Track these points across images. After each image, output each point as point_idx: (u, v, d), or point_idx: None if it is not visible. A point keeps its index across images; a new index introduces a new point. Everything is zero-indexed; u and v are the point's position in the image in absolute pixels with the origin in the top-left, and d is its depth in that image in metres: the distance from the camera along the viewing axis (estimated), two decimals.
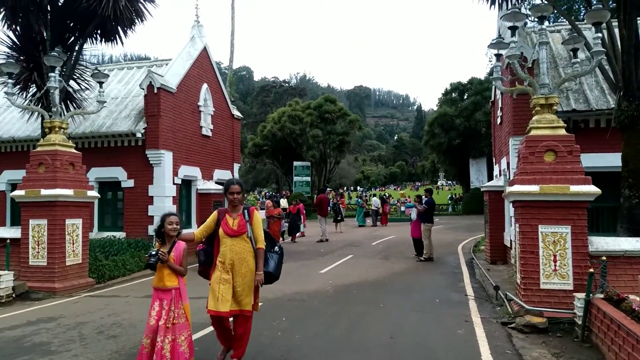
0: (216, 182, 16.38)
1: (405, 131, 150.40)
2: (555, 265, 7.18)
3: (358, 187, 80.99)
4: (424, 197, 13.89)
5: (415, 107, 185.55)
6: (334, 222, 22.96)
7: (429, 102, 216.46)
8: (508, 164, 11.84)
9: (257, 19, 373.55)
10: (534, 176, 7.26)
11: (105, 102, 11.02)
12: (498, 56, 8.57)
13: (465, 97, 41.07)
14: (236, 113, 18.27)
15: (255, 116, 77.74)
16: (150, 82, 13.54)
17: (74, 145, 10.52)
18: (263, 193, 62.26)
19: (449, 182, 77.70)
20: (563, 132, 7.46)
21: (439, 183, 76.25)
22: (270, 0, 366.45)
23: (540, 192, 7.11)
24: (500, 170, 13.65)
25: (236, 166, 18.13)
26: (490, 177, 39.06)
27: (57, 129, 10.08)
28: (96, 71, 10.66)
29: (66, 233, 9.76)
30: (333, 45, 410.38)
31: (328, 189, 30.62)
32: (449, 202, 42.49)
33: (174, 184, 14.02)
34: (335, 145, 38.87)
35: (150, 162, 13.64)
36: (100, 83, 10.74)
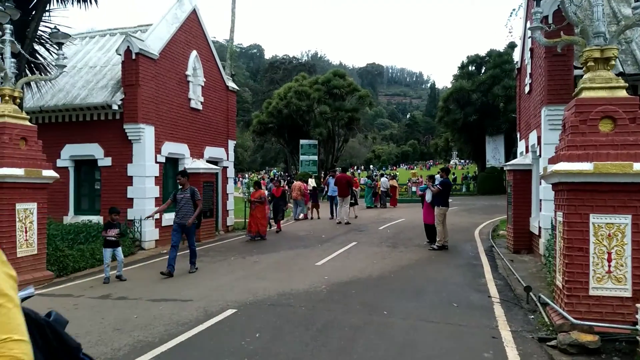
0: (207, 161, 14.84)
1: (418, 109, 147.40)
2: (609, 266, 5.58)
3: (370, 166, 79.08)
4: (438, 176, 12.22)
5: (428, 85, 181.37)
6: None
7: (444, 80, 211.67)
8: (539, 138, 10.09)
9: None
10: (585, 151, 5.58)
11: (65, 66, 9.44)
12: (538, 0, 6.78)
13: (482, 70, 38.77)
14: (231, 85, 16.60)
15: (264, 94, 76.01)
16: (128, 46, 11.92)
17: (29, 117, 9.03)
18: (271, 173, 60.90)
19: (462, 161, 75.41)
20: (624, 93, 5.75)
21: (451, 162, 74.01)
22: None
23: (594, 171, 5.45)
24: (527, 147, 11.89)
25: (231, 143, 16.54)
26: (507, 156, 37.08)
27: (7, 97, 8.57)
28: (55, 30, 9.07)
29: (17, 219, 8.34)
30: (345, 22, 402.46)
31: (337, 168, 28.70)
32: (463, 182, 40.60)
33: (156, 162, 12.51)
34: (344, 122, 37.02)
35: (129, 137, 12.12)
36: (59, 44, 9.18)
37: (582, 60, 6.14)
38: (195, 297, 6.97)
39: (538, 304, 6.72)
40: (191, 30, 14.25)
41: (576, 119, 5.76)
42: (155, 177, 12.45)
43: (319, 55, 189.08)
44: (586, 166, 5.50)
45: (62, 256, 9.28)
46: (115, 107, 11.88)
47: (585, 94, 5.87)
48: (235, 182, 46.19)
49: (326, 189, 21.52)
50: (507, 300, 6.98)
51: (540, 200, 9.91)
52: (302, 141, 36.68)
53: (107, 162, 12.41)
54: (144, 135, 12.08)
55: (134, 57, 11.88)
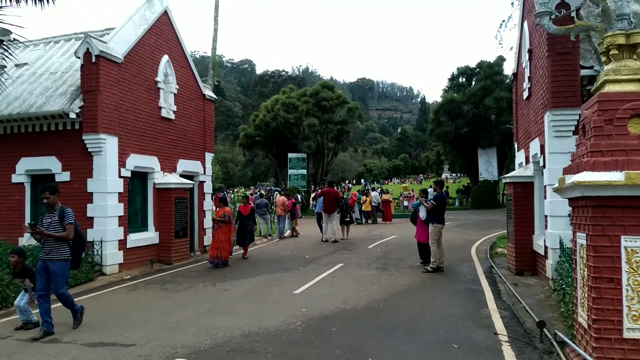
0: (181, 175, 13.65)
1: (409, 124, 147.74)
2: None
3: (362, 180, 78.18)
4: (432, 190, 11.15)
5: (419, 100, 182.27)
6: (341, 224, 17.19)
7: (434, 94, 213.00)
8: (542, 147, 9.05)
9: (260, 12, 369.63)
10: (613, 157, 4.53)
11: (5, 66, 8.28)
12: None
13: (473, 82, 38.07)
14: (208, 93, 15.47)
15: (254, 107, 74.94)
16: (88, 48, 10.79)
17: None
18: (262, 187, 59.58)
19: (454, 174, 74.58)
20: None
21: (443, 176, 73.18)
22: None
23: (626, 182, 4.39)
24: (527, 157, 10.86)
25: (209, 155, 15.33)
26: (501, 169, 36.17)
27: None
28: None
29: None
30: (336, 38, 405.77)
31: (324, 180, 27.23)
32: (457, 195, 39.58)
33: (120, 177, 11.29)
34: (333, 135, 35.94)
35: (89, 149, 10.92)
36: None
37: (602, 49, 5.11)
38: (141, 341, 5.73)
39: (554, 344, 5.58)
40: (162, 34, 13.16)
41: (600, 119, 4.71)
42: (119, 193, 11.21)
43: (310, 70, 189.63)
44: (616, 176, 4.43)
45: None
46: (72, 115, 10.69)
47: (609, 88, 4.83)
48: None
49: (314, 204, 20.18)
50: (517, 339, 5.82)
51: (546, 216, 8.84)
52: (290, 155, 35.60)
53: (65, 177, 11.17)
54: (106, 147, 10.89)
55: (93, 60, 10.74)
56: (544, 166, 8.94)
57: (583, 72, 8.30)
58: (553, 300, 7.83)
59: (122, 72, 11.50)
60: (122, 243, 11.23)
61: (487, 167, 35.79)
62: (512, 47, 11.61)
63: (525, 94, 10.83)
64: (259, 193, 36.01)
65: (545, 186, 8.83)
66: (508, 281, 9.37)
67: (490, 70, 35.31)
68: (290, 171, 35.56)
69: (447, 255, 11.57)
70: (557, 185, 5.33)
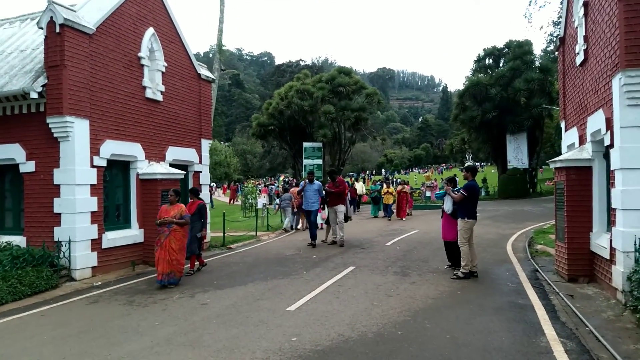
0: (172, 164, 11.99)
1: (430, 113, 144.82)
2: None
3: (382, 170, 76.19)
4: (462, 177, 9.22)
5: (440, 88, 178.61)
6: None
7: (456, 83, 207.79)
8: (608, 120, 7.02)
9: (281, 3, 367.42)
10: None
11: None
12: None
13: (501, 64, 35.47)
14: (204, 72, 13.73)
15: (270, 98, 73.41)
16: (51, 17, 9.15)
17: None
18: (282, 177, 58.16)
19: (477, 163, 71.49)
20: None
21: (466, 164, 70.34)
22: None
23: None
24: (582, 136, 8.80)
25: (205, 143, 13.63)
26: (531, 156, 33.62)
27: None
28: None
29: None
30: (356, 28, 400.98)
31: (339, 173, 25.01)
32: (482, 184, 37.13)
33: (92, 166, 9.66)
34: (350, 123, 33.92)
35: (55, 135, 9.31)
36: None
37: None
38: None
39: None
40: (146, 3, 11.42)
41: None
42: (92, 185, 9.59)
43: (329, 61, 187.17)
44: None
45: None
46: (34, 95, 9.06)
47: None
48: (239, 190, 43.31)
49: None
50: None
51: (614, 209, 6.84)
52: (305, 144, 33.74)
53: (30, 167, 9.62)
54: (74, 132, 9.26)
55: (58, 30, 9.09)
56: (611, 145, 6.92)
57: None
58: (628, 321, 5.89)
59: (94, 45, 9.83)
60: (95, 243, 9.63)
61: (516, 154, 33.31)
62: (542, 27, 9.72)
63: (579, 59, 8.75)
64: (281, 185, 33.97)
65: (613, 170, 6.82)
66: (561, 291, 7.43)
67: (519, 50, 32.67)
68: (305, 161, 33.71)
69: (480, 255, 9.67)
70: None
